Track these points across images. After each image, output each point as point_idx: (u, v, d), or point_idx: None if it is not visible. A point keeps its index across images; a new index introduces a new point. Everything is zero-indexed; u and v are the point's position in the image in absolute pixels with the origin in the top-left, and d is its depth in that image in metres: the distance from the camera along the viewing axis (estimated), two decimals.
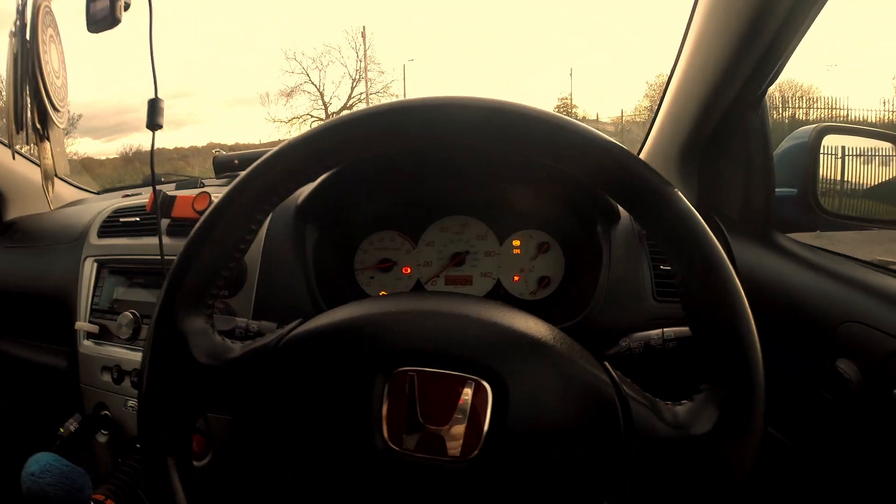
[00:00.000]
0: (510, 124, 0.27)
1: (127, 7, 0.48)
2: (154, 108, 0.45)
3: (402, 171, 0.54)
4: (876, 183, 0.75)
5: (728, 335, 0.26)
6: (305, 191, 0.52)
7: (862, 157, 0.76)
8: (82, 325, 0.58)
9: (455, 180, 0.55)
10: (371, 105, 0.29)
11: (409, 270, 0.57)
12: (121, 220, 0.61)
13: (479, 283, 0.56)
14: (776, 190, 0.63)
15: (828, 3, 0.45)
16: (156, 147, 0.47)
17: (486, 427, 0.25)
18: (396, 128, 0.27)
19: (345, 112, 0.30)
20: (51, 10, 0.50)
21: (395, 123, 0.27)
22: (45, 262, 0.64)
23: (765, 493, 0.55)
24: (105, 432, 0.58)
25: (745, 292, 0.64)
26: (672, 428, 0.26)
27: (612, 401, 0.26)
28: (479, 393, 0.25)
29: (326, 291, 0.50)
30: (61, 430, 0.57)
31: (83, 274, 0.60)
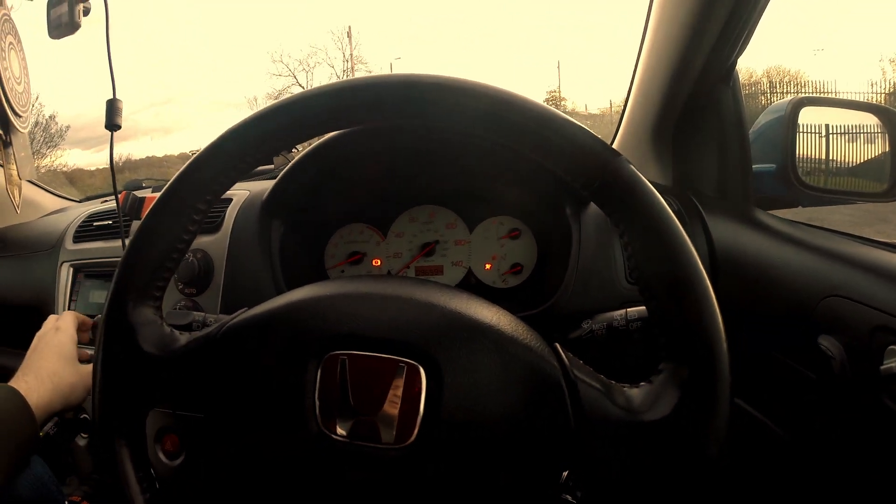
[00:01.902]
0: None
1: (87, 12, 0.48)
2: (112, 108, 0.46)
3: (368, 164, 0.54)
4: (862, 161, 0.73)
5: (687, 310, 0.24)
6: (270, 186, 0.52)
7: (847, 136, 0.74)
8: None
9: (423, 170, 0.54)
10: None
11: (379, 262, 0.56)
12: (94, 224, 0.61)
13: (450, 272, 0.56)
14: (755, 166, 0.62)
15: None
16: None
17: (420, 412, 0.24)
18: (340, 111, 0.27)
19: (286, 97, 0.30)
20: (10, 18, 0.50)
21: (338, 107, 0.27)
22: (24, 270, 0.64)
23: (748, 476, 0.54)
24: (84, 435, 0.58)
25: (723, 270, 0.62)
26: (625, 411, 0.25)
27: (558, 384, 0.25)
28: (412, 377, 0.25)
29: (295, 287, 0.50)
30: (40, 432, 0.57)
31: (60, 280, 0.60)
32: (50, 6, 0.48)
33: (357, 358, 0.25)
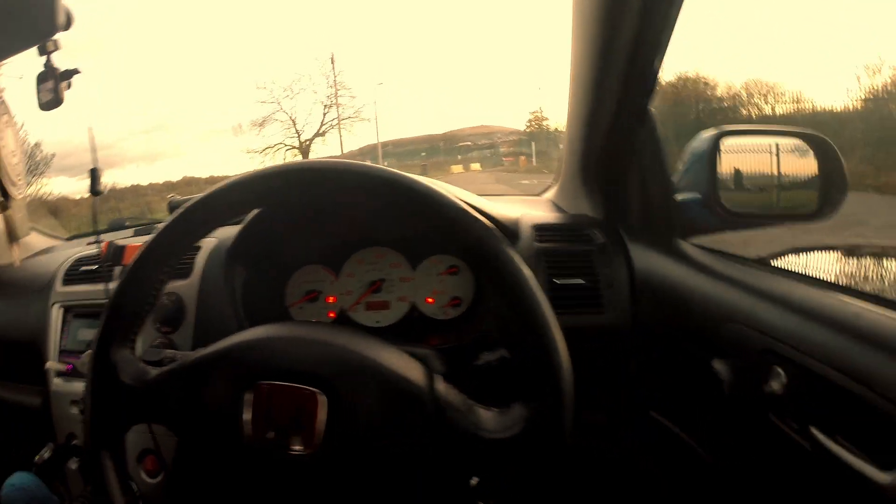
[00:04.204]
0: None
1: (69, 87, 0.56)
2: (95, 176, 0.53)
3: (321, 212, 0.60)
4: (792, 182, 0.77)
5: (538, 355, 0.31)
6: (234, 233, 0.59)
7: (777, 156, 0.78)
8: (52, 364, 0.65)
9: (369, 216, 0.60)
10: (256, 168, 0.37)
11: (332, 300, 0.63)
12: (81, 268, 0.68)
13: (396, 307, 0.62)
14: (685, 196, 0.67)
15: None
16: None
17: (322, 428, 0.32)
18: (268, 192, 0.35)
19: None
20: (4, 100, 0.58)
21: (266, 189, 0.35)
22: (16, 309, 0.71)
23: (675, 490, 0.59)
24: (76, 459, 0.64)
25: (643, 297, 0.67)
26: (485, 431, 0.32)
27: (428, 409, 0.32)
28: (316, 400, 0.32)
29: (258, 324, 0.57)
30: (36, 458, 0.64)
31: (51, 319, 0.67)
32: (38, 81, 0.56)
33: (276, 387, 0.33)
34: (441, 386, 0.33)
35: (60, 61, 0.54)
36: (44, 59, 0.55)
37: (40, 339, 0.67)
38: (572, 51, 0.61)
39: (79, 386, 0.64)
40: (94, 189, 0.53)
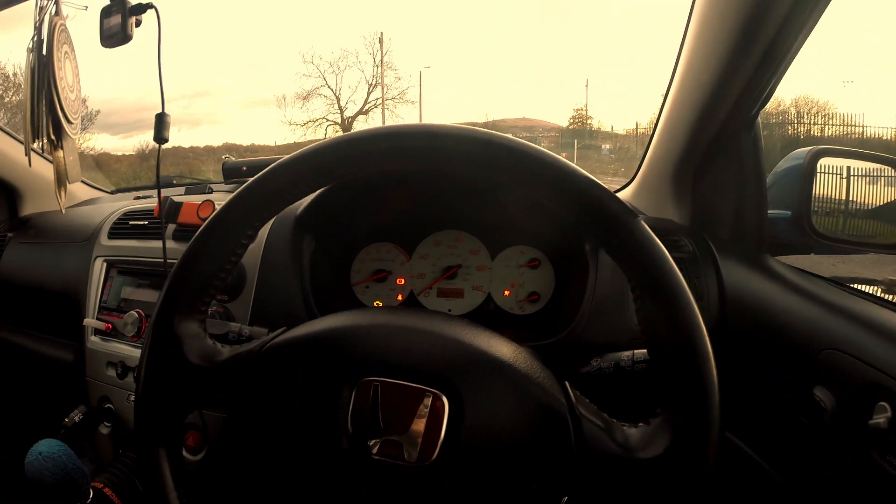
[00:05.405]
0: (491, 155, 0.29)
1: (138, 24, 0.50)
2: (161, 122, 0.48)
3: (398, 186, 0.55)
4: (880, 204, 0.74)
5: (685, 365, 0.27)
6: (305, 202, 0.54)
7: (867, 178, 0.75)
8: (90, 321, 0.60)
9: (450, 195, 0.56)
10: (368, 126, 0.31)
11: (402, 282, 0.58)
12: (130, 222, 0.63)
13: (470, 296, 0.58)
14: (772, 211, 0.63)
15: (821, 27, 0.45)
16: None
17: (441, 437, 0.27)
18: (384, 154, 0.29)
19: (348, 131, 0.32)
20: (66, 28, 0.52)
21: (382, 150, 0.29)
22: (57, 258, 0.67)
23: None
24: (108, 424, 0.61)
25: (733, 312, 0.63)
26: (623, 448, 0.27)
27: (564, 419, 0.28)
28: (436, 405, 0.27)
29: (322, 300, 0.52)
30: (66, 419, 0.60)
31: (93, 272, 0.63)
32: (103, 16, 0.50)
33: (388, 385, 0.27)
34: (575, 395, 0.28)
35: None
36: None
37: (78, 292, 0.63)
38: (685, 55, 0.58)
39: (117, 346, 0.60)
40: (159, 136, 0.48)
